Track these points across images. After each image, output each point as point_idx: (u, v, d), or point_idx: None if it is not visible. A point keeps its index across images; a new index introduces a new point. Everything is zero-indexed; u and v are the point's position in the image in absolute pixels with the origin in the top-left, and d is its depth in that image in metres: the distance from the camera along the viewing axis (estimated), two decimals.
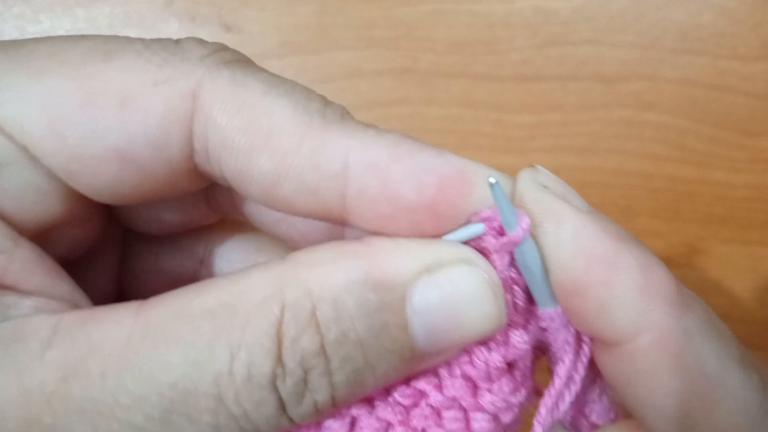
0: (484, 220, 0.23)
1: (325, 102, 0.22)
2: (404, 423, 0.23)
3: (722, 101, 0.55)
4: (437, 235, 0.23)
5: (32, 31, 0.59)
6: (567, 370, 0.24)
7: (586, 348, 0.24)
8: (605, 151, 0.55)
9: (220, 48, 0.23)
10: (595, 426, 0.26)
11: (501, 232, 0.23)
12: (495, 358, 0.23)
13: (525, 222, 0.22)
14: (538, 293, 0.24)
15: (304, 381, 0.19)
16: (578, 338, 0.24)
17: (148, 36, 0.25)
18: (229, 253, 0.30)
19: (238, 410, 0.19)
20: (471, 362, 0.23)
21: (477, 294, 0.21)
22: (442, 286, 0.21)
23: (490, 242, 0.23)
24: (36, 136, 0.21)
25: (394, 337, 0.20)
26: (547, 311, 0.24)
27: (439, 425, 0.24)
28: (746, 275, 0.57)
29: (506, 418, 0.24)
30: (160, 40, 0.22)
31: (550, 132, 0.55)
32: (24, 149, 0.21)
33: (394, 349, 0.20)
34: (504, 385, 0.24)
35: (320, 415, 0.20)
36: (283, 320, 0.19)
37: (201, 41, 0.23)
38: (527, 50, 0.55)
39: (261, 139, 0.21)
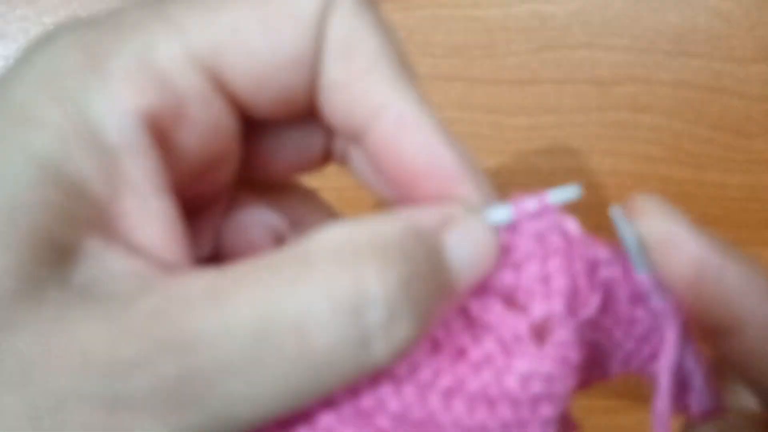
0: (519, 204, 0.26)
1: (404, 58, 0.26)
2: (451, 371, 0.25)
3: (717, 103, 0.55)
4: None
5: (36, 33, 0.60)
6: (673, 349, 0.26)
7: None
8: (600, 152, 0.56)
9: None
10: (704, 415, 0.28)
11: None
12: (521, 323, 0.26)
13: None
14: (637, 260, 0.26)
15: (387, 314, 0.20)
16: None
17: None
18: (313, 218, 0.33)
19: (320, 342, 0.20)
20: (503, 327, 0.26)
21: (489, 234, 0.25)
22: (463, 231, 0.24)
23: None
24: (231, 63, 0.24)
25: (443, 275, 0.23)
26: (647, 278, 0.26)
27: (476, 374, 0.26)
28: None
29: (536, 387, 0.26)
30: None
31: (545, 134, 0.56)
32: (212, 80, 0.24)
33: (445, 287, 0.24)
34: (531, 350, 0.26)
35: (399, 354, 0.21)
36: (363, 260, 0.21)
37: None
38: (524, 54, 0.56)
39: (344, 54, 0.25)
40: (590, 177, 0.56)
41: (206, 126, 0.25)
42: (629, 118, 0.56)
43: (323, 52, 0.25)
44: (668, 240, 0.26)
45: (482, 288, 0.27)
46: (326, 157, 0.31)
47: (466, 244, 0.24)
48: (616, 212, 0.26)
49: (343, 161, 0.31)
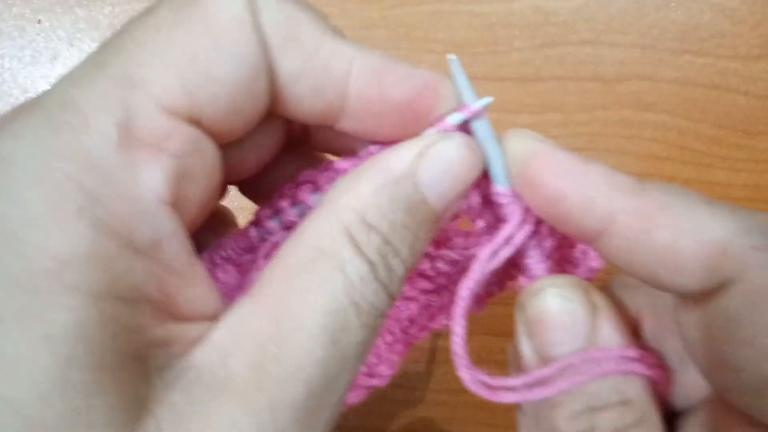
0: (441, 120, 0.29)
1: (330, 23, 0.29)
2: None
3: (722, 101, 0.55)
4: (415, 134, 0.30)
5: (31, 31, 0.59)
6: (509, 230, 0.30)
7: (532, 218, 0.30)
8: (605, 151, 0.55)
9: None
10: (533, 277, 0.31)
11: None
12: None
13: (485, 100, 0.28)
14: (495, 173, 0.29)
15: (388, 266, 0.26)
16: (528, 211, 0.30)
17: None
18: None
19: (366, 304, 0.25)
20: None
21: (458, 153, 0.28)
22: (434, 160, 0.27)
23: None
24: (201, 96, 0.25)
25: (421, 210, 0.27)
26: (504, 189, 0.30)
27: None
28: None
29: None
30: None
31: (549, 132, 0.55)
32: (194, 122, 0.26)
33: (425, 218, 0.27)
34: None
35: (402, 281, 0.28)
36: (353, 235, 0.25)
37: None
38: (527, 50, 0.55)
39: (291, 41, 0.26)
40: None
41: (205, 171, 0.27)
42: (634, 116, 0.55)
43: (271, 51, 0.27)
44: (531, 159, 0.28)
45: None
46: (287, 143, 0.33)
47: (437, 174, 0.27)
48: (452, 61, 0.29)
49: (305, 142, 0.34)
